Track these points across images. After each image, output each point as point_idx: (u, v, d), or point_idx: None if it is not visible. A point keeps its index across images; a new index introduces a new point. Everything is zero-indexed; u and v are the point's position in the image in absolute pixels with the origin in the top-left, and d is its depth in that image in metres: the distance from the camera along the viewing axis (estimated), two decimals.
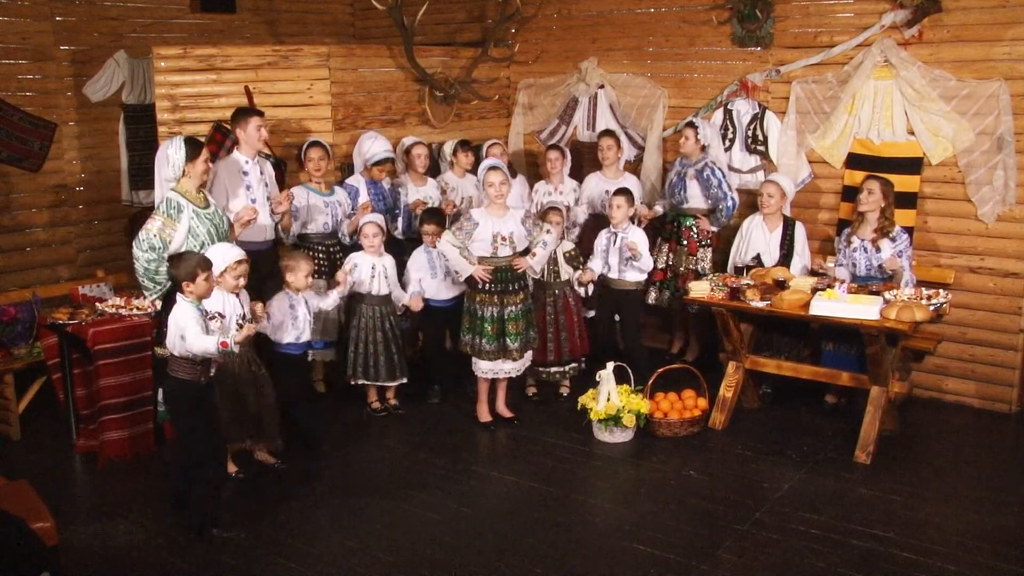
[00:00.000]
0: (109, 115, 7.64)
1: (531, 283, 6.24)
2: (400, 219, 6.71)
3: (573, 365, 6.48)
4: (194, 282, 4.55)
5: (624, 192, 6.44)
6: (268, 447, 5.49)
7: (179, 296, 4.61)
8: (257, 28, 8.60)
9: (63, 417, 5.97)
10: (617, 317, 6.85)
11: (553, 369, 6.45)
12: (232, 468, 5.38)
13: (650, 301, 7.02)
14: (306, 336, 5.69)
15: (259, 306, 5.30)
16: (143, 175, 7.77)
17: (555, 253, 6.31)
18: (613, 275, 6.46)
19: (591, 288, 6.56)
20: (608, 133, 7.16)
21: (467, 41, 8.40)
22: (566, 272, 6.38)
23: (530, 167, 8.26)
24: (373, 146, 6.60)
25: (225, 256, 4.96)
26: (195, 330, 4.48)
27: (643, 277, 6.51)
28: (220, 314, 4.87)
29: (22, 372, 6.15)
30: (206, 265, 4.63)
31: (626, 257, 6.31)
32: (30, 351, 6.14)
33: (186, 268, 4.57)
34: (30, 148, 7.13)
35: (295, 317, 5.59)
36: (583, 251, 6.63)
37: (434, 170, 7.21)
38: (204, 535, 4.71)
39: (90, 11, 7.49)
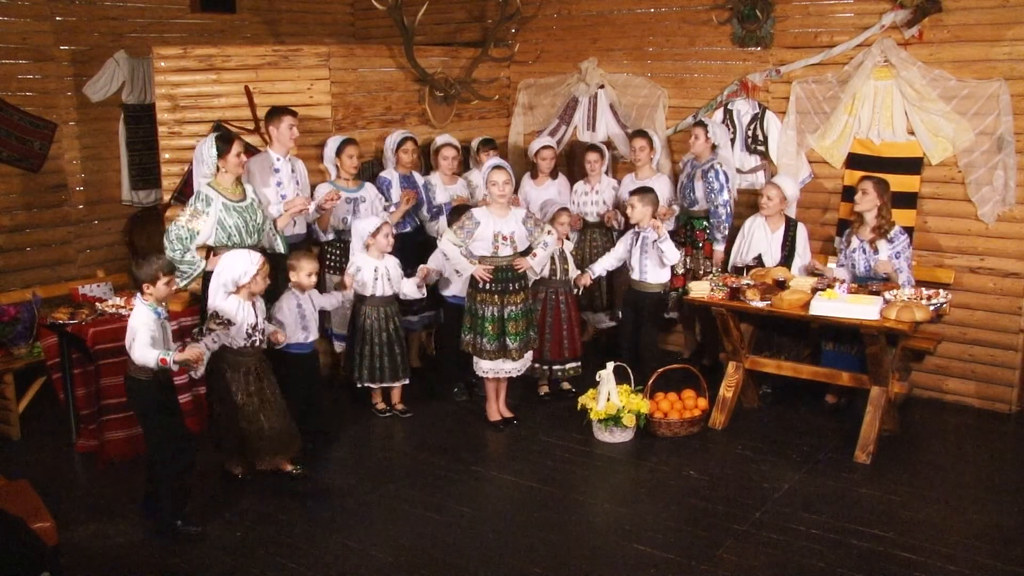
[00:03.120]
0: (109, 115, 7.64)
1: (542, 283, 6.32)
2: (442, 218, 6.72)
3: (574, 364, 6.48)
4: (154, 285, 4.57)
5: (638, 191, 6.34)
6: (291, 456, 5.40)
7: (138, 298, 4.63)
8: (257, 28, 8.60)
9: (63, 417, 5.97)
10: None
11: (569, 366, 6.46)
12: (287, 467, 5.36)
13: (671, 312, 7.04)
14: (314, 336, 5.72)
15: (279, 335, 5.35)
16: (143, 175, 7.78)
17: (563, 251, 6.35)
18: (636, 276, 6.39)
19: (581, 290, 6.51)
20: (640, 134, 7.06)
21: (467, 41, 8.40)
22: (575, 271, 6.41)
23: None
24: (393, 135, 6.80)
25: (253, 258, 5.02)
26: (144, 338, 4.49)
27: (666, 278, 6.40)
28: (230, 321, 4.87)
29: (22, 372, 6.15)
30: (168, 270, 4.66)
31: (651, 240, 6.21)
32: (30, 351, 6.14)
33: (148, 270, 4.58)
34: (30, 148, 7.13)
35: (303, 316, 5.62)
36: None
37: (466, 167, 7.34)
38: (169, 530, 4.72)
39: (90, 11, 7.49)
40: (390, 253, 6.15)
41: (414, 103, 7.45)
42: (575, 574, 4.42)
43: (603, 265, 6.49)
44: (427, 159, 7.23)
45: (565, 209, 6.41)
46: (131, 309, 5.73)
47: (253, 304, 5.11)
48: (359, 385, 6.24)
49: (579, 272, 6.44)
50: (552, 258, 6.29)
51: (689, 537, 4.72)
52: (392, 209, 6.54)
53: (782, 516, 4.91)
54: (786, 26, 6.93)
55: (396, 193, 6.66)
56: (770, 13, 6.93)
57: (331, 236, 6.46)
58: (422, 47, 7.52)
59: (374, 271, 6.07)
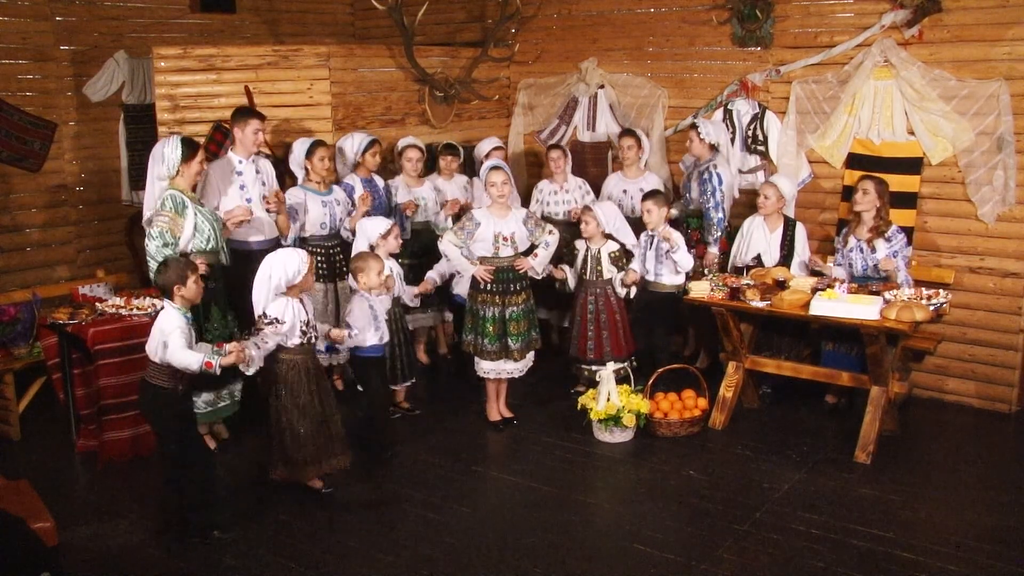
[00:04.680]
0: (109, 115, 7.65)
1: (578, 282, 6.30)
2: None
3: (618, 366, 6.19)
4: (186, 285, 4.52)
5: (652, 195, 6.28)
6: (331, 467, 5.23)
7: (166, 303, 4.56)
8: (257, 28, 8.61)
9: (63, 417, 5.97)
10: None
11: (595, 368, 6.33)
12: (317, 483, 5.21)
13: None
14: (387, 336, 5.65)
15: (336, 332, 5.25)
16: (143, 175, 7.72)
17: (599, 252, 6.30)
18: (650, 278, 6.36)
19: (634, 290, 6.39)
20: (629, 133, 7.06)
21: (467, 41, 8.41)
22: (609, 271, 6.31)
23: (530, 167, 8.26)
24: (354, 140, 6.62)
25: (302, 256, 4.93)
26: (179, 341, 4.42)
27: (680, 279, 6.32)
28: (278, 320, 4.80)
29: (22, 372, 6.15)
30: (193, 267, 4.64)
31: (664, 250, 6.22)
32: (30, 351, 6.14)
33: (176, 271, 4.53)
34: (30, 148, 7.13)
35: (375, 317, 5.53)
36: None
37: (431, 169, 7.23)
38: (206, 539, 4.68)
39: (90, 11, 7.50)
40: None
41: (414, 103, 7.45)
42: (575, 574, 4.42)
43: (638, 267, 6.38)
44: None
45: (589, 209, 6.37)
46: (131, 309, 5.79)
47: (301, 300, 5.00)
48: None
49: (624, 272, 6.32)
50: (586, 258, 6.30)
51: (689, 537, 4.72)
52: (352, 213, 6.41)
53: (782, 516, 4.91)
54: (786, 26, 6.93)
55: (359, 192, 6.53)
56: (770, 13, 6.93)
57: (291, 241, 6.21)
58: (422, 47, 7.52)
59: (389, 270, 6.04)
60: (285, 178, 6.52)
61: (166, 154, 5.36)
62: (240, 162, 5.95)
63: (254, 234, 5.98)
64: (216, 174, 5.86)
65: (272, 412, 5.06)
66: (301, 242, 6.33)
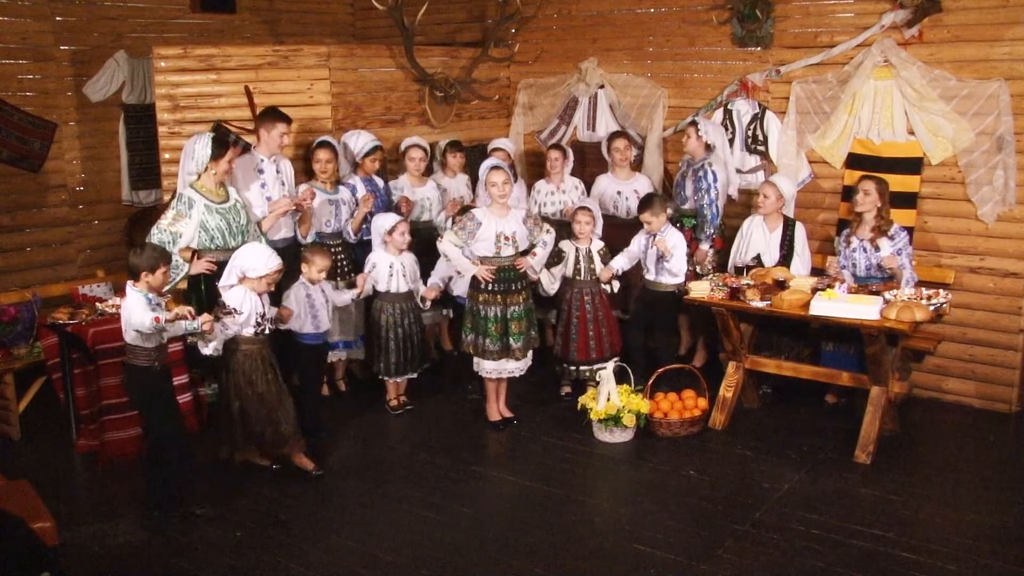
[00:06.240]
0: (109, 115, 7.65)
1: (568, 283, 6.35)
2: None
3: (600, 365, 6.22)
4: (153, 273, 4.66)
5: (646, 205, 6.25)
6: (300, 448, 5.43)
7: (128, 287, 4.69)
8: (257, 28, 8.61)
9: (63, 417, 5.97)
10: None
11: (596, 367, 6.30)
12: (265, 461, 5.45)
13: None
14: (325, 325, 5.83)
15: (286, 311, 5.52)
16: (143, 175, 7.79)
17: (589, 251, 6.32)
18: (650, 276, 6.37)
19: (615, 285, 6.41)
20: (622, 134, 7.11)
21: (467, 41, 8.41)
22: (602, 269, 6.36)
23: (530, 167, 8.26)
24: (359, 141, 6.63)
25: (268, 262, 5.12)
26: (139, 310, 4.59)
27: (679, 280, 6.31)
28: (236, 310, 4.98)
29: (22, 372, 6.15)
30: (167, 259, 4.79)
31: (657, 256, 6.24)
32: (30, 351, 6.14)
33: (149, 258, 4.68)
34: (30, 148, 7.12)
35: (311, 305, 5.71)
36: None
37: (431, 170, 7.24)
38: (175, 512, 4.85)
39: (90, 11, 7.49)
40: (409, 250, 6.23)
41: (414, 103, 7.45)
42: (575, 574, 4.42)
43: (619, 263, 6.38)
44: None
45: (585, 208, 6.36)
46: None
47: (259, 295, 5.19)
48: (380, 377, 6.32)
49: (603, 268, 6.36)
50: (577, 258, 6.32)
51: (689, 537, 4.72)
52: (351, 218, 6.44)
53: (782, 516, 4.91)
54: (786, 26, 6.93)
55: (361, 193, 6.56)
56: (770, 13, 6.93)
57: (311, 239, 6.28)
58: (422, 47, 7.52)
59: (389, 267, 6.12)
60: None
61: (196, 151, 5.49)
62: (262, 161, 6.07)
63: (276, 232, 6.06)
64: (239, 171, 5.94)
65: (226, 400, 5.25)
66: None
